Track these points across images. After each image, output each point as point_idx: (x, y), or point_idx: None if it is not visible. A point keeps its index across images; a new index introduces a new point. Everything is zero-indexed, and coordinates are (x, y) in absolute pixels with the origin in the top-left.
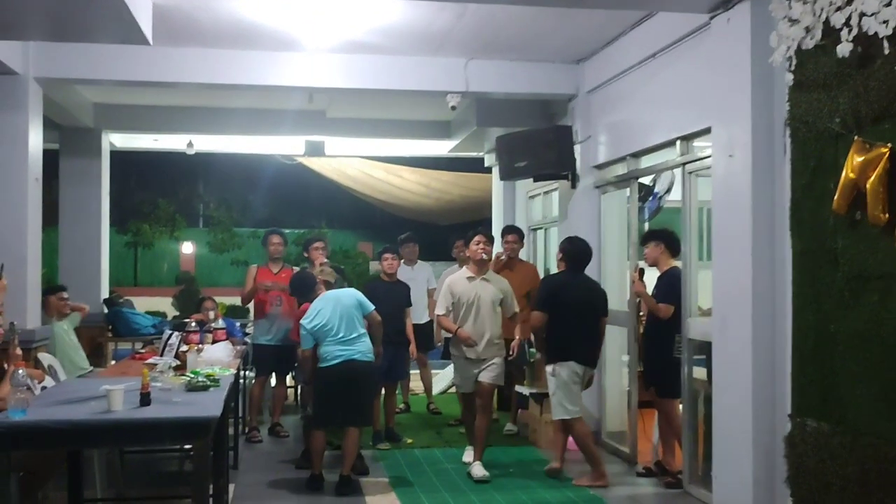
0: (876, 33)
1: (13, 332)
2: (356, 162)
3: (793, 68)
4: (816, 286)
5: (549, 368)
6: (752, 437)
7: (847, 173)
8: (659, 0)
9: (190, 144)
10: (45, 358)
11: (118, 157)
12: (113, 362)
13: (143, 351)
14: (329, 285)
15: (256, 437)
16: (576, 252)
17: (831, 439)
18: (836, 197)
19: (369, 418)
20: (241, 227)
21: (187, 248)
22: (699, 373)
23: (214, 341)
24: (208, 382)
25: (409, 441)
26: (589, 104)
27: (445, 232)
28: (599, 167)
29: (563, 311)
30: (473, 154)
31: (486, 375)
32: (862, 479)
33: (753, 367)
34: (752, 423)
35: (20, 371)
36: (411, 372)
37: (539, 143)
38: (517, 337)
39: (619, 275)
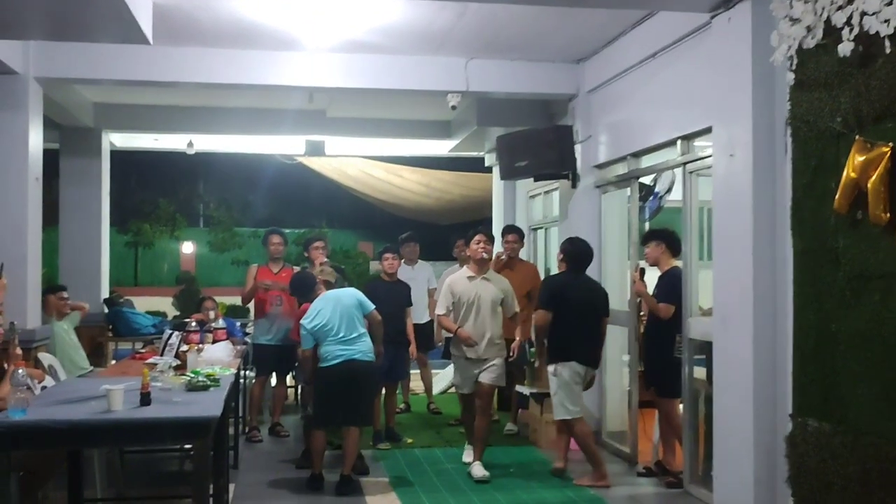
0: (877, 32)
1: (13, 332)
2: (356, 161)
3: (794, 67)
4: (817, 286)
5: (550, 368)
6: (753, 437)
7: (848, 173)
8: None
9: (190, 144)
10: (46, 358)
11: (118, 156)
12: (113, 362)
13: (143, 351)
14: (329, 285)
15: (257, 436)
16: (577, 253)
17: (832, 439)
18: (837, 196)
19: (370, 418)
20: (242, 226)
21: (187, 247)
22: (700, 373)
23: (215, 341)
24: (208, 382)
25: (410, 441)
26: (589, 104)
27: (446, 232)
28: (600, 167)
29: (565, 312)
30: (474, 154)
31: (487, 376)
32: (863, 478)
33: (754, 366)
34: (752, 423)
35: (20, 371)
36: (412, 372)
37: (539, 142)
38: (517, 338)
39: (619, 274)
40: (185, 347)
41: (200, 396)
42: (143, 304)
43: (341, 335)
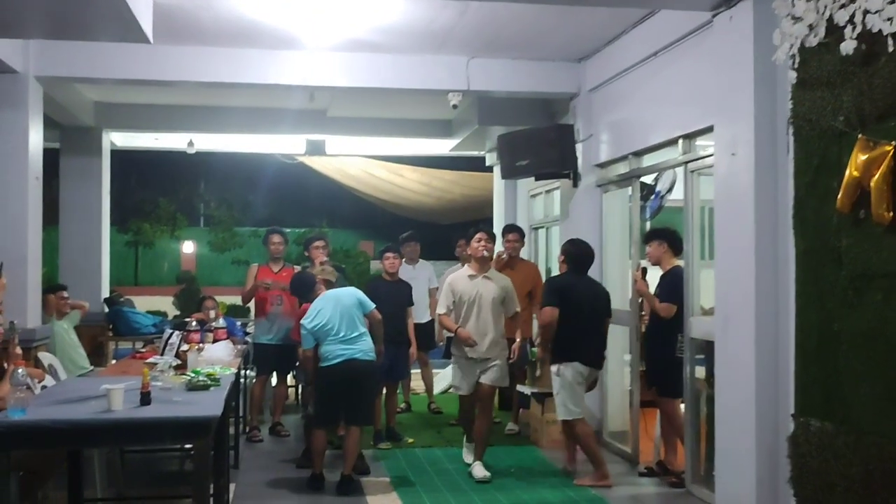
0: (880, 31)
1: (13, 331)
2: (357, 161)
3: (796, 66)
4: (820, 285)
5: (553, 368)
6: (755, 437)
7: (851, 171)
8: None
9: (190, 143)
10: (46, 357)
11: (119, 155)
12: (113, 361)
13: (143, 350)
14: (329, 284)
15: (257, 436)
16: (578, 254)
17: (835, 439)
18: (839, 195)
19: (370, 418)
20: (242, 226)
21: (188, 247)
22: (701, 372)
23: (215, 340)
24: (209, 382)
25: (410, 441)
26: (591, 103)
27: (447, 231)
28: (601, 166)
29: (568, 312)
30: (475, 153)
31: (488, 377)
32: (866, 478)
33: (756, 366)
34: (754, 423)
35: (20, 370)
36: (412, 371)
37: (541, 141)
38: (518, 339)
39: (620, 274)
40: (185, 347)
41: (201, 396)
42: (144, 303)
43: (342, 335)
